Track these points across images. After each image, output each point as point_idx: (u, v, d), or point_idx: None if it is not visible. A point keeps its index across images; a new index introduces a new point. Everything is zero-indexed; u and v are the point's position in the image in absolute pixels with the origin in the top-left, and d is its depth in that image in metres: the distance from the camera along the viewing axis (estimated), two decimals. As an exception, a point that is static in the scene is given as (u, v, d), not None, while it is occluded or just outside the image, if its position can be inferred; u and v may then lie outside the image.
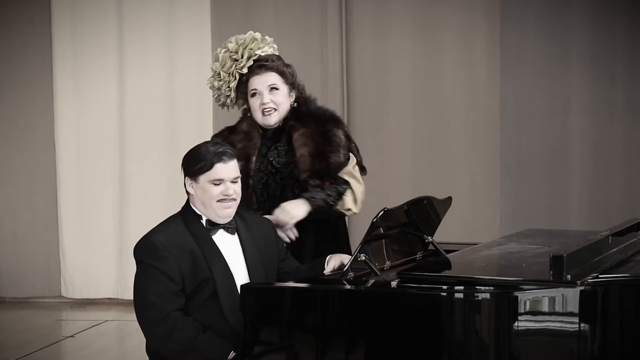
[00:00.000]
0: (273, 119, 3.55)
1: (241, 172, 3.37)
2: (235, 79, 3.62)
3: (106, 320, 6.39)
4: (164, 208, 5.99)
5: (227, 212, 3.05)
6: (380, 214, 2.99)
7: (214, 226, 3.05)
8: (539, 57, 6.26)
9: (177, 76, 6.83)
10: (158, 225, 3.05)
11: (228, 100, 3.71)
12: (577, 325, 2.68)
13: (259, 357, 2.77)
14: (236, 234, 3.10)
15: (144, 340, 3.03)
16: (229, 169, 3.04)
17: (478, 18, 6.32)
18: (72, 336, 5.90)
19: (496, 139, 6.30)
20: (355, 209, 3.57)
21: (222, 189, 3.02)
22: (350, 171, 3.58)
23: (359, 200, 3.59)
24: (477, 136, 6.35)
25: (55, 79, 6.97)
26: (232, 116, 6.43)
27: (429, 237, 3.35)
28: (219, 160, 3.01)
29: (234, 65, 3.61)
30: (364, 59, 6.47)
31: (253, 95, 3.56)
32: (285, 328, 2.74)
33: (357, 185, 3.58)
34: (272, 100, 3.53)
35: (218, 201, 3.02)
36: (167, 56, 6.84)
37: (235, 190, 3.06)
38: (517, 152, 6.32)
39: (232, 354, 2.91)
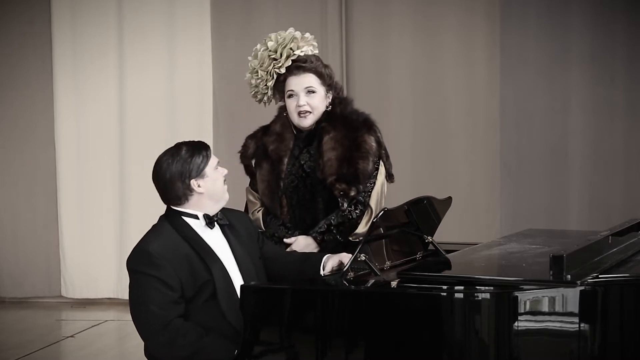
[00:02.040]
0: (308, 121, 3.53)
1: (272, 174, 3.38)
2: (273, 78, 3.59)
3: (106, 320, 6.39)
4: (164, 208, 5.98)
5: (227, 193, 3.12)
6: (380, 214, 2.99)
7: (211, 221, 3.06)
8: (539, 57, 6.26)
9: (177, 76, 6.83)
10: (148, 234, 3.03)
11: (265, 98, 3.69)
12: (577, 325, 2.68)
13: (259, 357, 2.77)
14: (222, 232, 3.11)
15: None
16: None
17: (478, 18, 6.32)
18: (72, 336, 5.90)
19: (496, 139, 6.30)
20: (364, 232, 3.47)
21: (221, 170, 3.09)
22: (378, 190, 3.52)
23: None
24: (477, 136, 6.35)
25: (55, 79, 6.97)
26: (233, 118, 6.45)
27: (429, 237, 3.35)
28: (208, 147, 3.08)
29: (272, 65, 3.58)
30: (364, 59, 6.47)
31: (290, 96, 3.55)
32: (285, 328, 2.74)
33: (378, 206, 3.52)
34: (308, 103, 3.51)
35: (224, 184, 3.10)
36: (167, 56, 6.84)
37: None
38: (517, 152, 6.32)
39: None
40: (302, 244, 3.45)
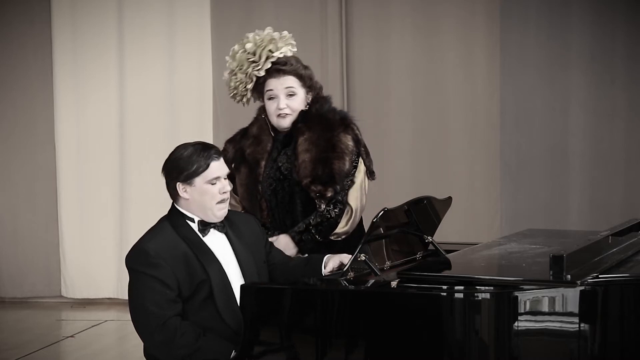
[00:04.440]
0: (287, 122, 3.51)
1: (249, 177, 3.36)
2: (252, 81, 3.56)
3: (106, 320, 6.39)
4: (164, 208, 5.96)
5: (223, 212, 3.06)
6: (380, 214, 2.98)
7: (205, 227, 3.05)
8: (539, 57, 6.26)
9: (177, 76, 6.83)
10: (147, 233, 3.03)
11: (244, 99, 3.66)
12: (577, 325, 2.68)
13: (259, 357, 2.77)
14: (224, 233, 3.09)
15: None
16: (222, 166, 3.04)
17: (478, 18, 6.32)
18: (72, 336, 5.90)
19: (496, 139, 6.30)
20: (345, 230, 3.48)
21: (220, 186, 3.02)
22: (357, 188, 3.49)
23: (356, 218, 3.51)
24: (477, 136, 6.35)
25: (55, 79, 6.97)
26: (233, 118, 6.44)
27: (429, 237, 3.35)
28: (212, 159, 3.01)
29: (251, 67, 3.54)
30: (364, 59, 6.47)
31: (270, 98, 3.53)
32: (285, 328, 2.74)
33: (359, 204, 3.50)
34: (288, 105, 3.50)
35: (217, 202, 3.01)
36: (167, 56, 6.84)
37: (229, 186, 3.07)
38: (517, 152, 6.32)
39: (232, 354, 2.91)
40: (282, 242, 3.43)
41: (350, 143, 3.49)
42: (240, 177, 3.59)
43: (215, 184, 3.01)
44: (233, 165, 3.62)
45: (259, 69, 3.54)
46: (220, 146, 3.47)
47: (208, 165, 2.99)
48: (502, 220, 6.29)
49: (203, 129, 6.66)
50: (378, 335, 2.64)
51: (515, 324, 2.60)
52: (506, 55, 6.25)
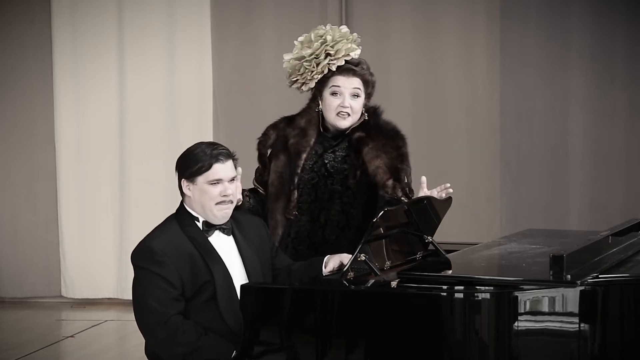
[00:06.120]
0: (346, 123, 3.49)
1: (286, 167, 3.41)
2: (322, 73, 3.50)
3: (106, 320, 6.40)
4: (164, 208, 5.98)
5: (224, 214, 3.05)
6: (380, 214, 2.98)
7: (210, 227, 3.05)
8: (539, 57, 6.26)
9: (177, 76, 6.83)
10: (154, 230, 3.03)
11: (303, 87, 3.58)
12: (577, 325, 2.68)
13: (258, 357, 2.77)
14: (231, 235, 3.10)
15: (144, 340, 3.03)
16: (226, 169, 3.03)
17: (478, 18, 6.32)
18: (72, 336, 5.90)
19: (496, 139, 6.30)
20: None
21: (221, 189, 3.01)
22: None
23: None
24: (477, 136, 6.35)
25: (55, 79, 6.97)
26: (233, 118, 6.45)
27: (429, 237, 3.35)
28: (217, 160, 3.01)
29: (327, 59, 3.49)
30: (364, 58, 6.46)
31: (333, 93, 3.50)
32: (285, 328, 2.74)
33: None
34: (351, 105, 3.48)
35: (217, 203, 3.01)
36: (167, 56, 6.84)
37: (233, 190, 3.06)
38: (517, 152, 6.32)
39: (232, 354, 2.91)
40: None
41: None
42: (276, 164, 3.55)
43: (216, 185, 3.01)
44: (270, 151, 3.60)
45: (334, 64, 3.49)
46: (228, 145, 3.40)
47: (211, 166, 3.00)
48: (502, 220, 6.29)
49: (203, 129, 6.66)
50: (378, 335, 2.64)
51: (515, 324, 2.60)
52: (506, 55, 6.25)
